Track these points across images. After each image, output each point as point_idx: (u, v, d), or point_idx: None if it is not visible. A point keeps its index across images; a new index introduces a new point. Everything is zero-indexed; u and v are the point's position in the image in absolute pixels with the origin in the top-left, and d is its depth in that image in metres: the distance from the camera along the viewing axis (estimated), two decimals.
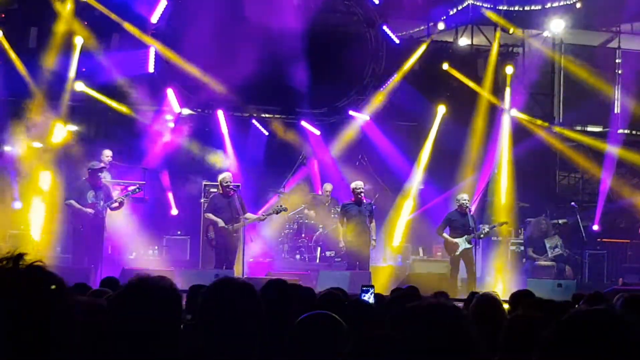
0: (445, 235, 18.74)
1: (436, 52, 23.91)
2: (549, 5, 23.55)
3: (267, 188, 21.41)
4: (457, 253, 18.52)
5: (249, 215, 17.34)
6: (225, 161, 21.10)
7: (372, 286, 10.72)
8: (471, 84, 23.80)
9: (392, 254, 21.41)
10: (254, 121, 22.74)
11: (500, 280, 19.99)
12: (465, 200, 18.76)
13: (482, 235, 19.04)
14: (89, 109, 21.29)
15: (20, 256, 1.99)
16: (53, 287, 1.96)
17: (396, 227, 22.14)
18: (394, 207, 22.32)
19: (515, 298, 8.26)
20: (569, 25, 24.12)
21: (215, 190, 18.21)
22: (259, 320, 4.12)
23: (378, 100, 23.23)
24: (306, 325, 4.16)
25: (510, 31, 23.59)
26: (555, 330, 2.52)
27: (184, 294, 8.79)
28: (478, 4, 23.51)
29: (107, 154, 18.55)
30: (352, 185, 18.29)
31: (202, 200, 19.55)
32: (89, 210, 16.09)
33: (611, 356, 2.42)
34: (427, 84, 23.44)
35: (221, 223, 17.01)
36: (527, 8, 23.75)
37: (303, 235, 20.69)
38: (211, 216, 17.25)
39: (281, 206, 18.38)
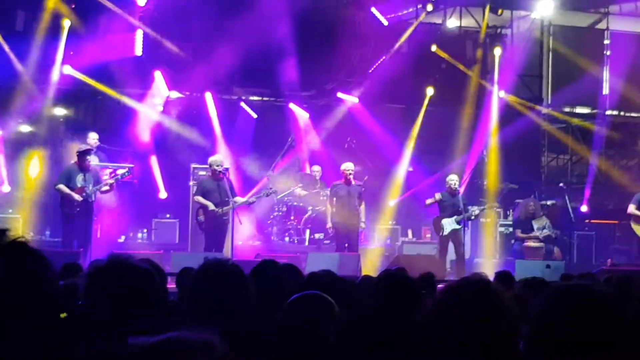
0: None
1: (425, 33, 23.86)
2: None
3: (256, 170, 21.39)
4: (446, 234, 18.53)
5: (237, 198, 17.31)
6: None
7: None
8: (460, 66, 23.80)
9: (381, 235, 21.44)
10: (242, 104, 22.71)
11: (488, 262, 20.02)
12: (454, 181, 18.78)
13: (472, 217, 19.09)
14: (77, 92, 21.22)
15: (4, 232, 1.98)
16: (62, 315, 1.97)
17: (385, 209, 22.15)
18: (382, 190, 22.33)
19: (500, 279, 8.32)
20: (557, 7, 24.12)
21: (204, 173, 18.19)
22: (248, 301, 4.13)
23: (366, 82, 23.21)
24: (297, 305, 4.16)
25: (499, 13, 23.54)
26: (544, 303, 2.55)
27: (173, 276, 8.82)
28: None
29: (93, 137, 18.49)
30: (342, 166, 18.27)
31: (191, 183, 19.54)
32: (78, 196, 16.05)
33: (595, 326, 2.45)
34: (415, 66, 23.40)
35: (211, 206, 16.98)
36: None
37: (292, 217, 20.67)
38: (201, 199, 17.21)
39: (270, 189, 18.37)
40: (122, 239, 19.36)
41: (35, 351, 1.95)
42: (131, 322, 3.35)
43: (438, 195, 18.80)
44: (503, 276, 8.79)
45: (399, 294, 5.23)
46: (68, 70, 20.19)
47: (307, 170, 21.79)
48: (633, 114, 25.62)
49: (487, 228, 21.47)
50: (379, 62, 23.32)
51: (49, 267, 2.01)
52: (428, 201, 18.97)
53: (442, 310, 2.99)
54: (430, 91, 23.18)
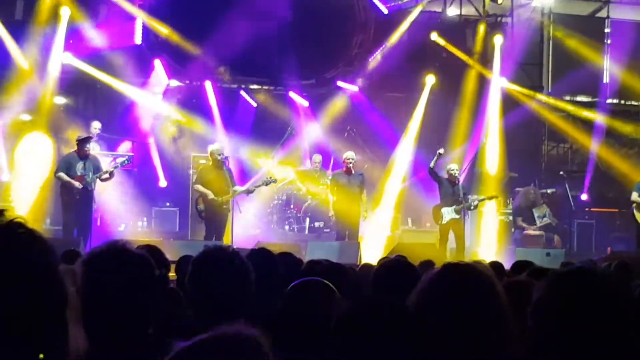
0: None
1: (425, 22, 23.81)
2: None
3: (256, 159, 21.38)
4: (445, 222, 18.51)
5: (237, 187, 17.29)
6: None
7: None
8: (460, 54, 23.77)
9: (381, 224, 21.43)
10: (242, 92, 22.69)
11: (488, 251, 20.01)
12: (454, 170, 18.73)
13: (471, 207, 19.06)
14: (77, 81, 21.20)
15: (1, 212, 1.96)
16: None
17: (385, 197, 22.13)
18: (382, 178, 22.30)
19: (516, 268, 8.29)
20: None
21: (205, 161, 18.17)
22: (248, 287, 4.13)
23: (366, 71, 23.19)
24: (299, 291, 4.16)
25: (499, 1, 23.49)
26: (546, 287, 2.55)
27: (172, 264, 8.81)
28: None
29: (96, 125, 18.49)
30: (344, 155, 18.26)
31: (190, 172, 19.53)
32: (78, 184, 16.02)
33: (599, 307, 2.45)
34: (415, 55, 23.36)
35: (210, 195, 16.96)
36: None
37: (292, 206, 20.66)
38: (200, 188, 17.19)
39: (270, 178, 18.36)
40: (122, 227, 19.35)
41: (34, 336, 1.92)
42: (129, 307, 3.34)
43: (441, 150, 18.66)
44: (494, 267, 8.75)
45: (399, 280, 5.22)
46: (67, 58, 20.16)
47: (308, 159, 21.78)
48: (633, 102, 25.60)
49: (488, 216, 21.44)
50: (379, 50, 23.29)
51: (49, 248, 1.98)
52: (432, 163, 18.74)
53: (431, 296, 2.99)
54: (430, 79, 23.13)
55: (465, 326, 2.87)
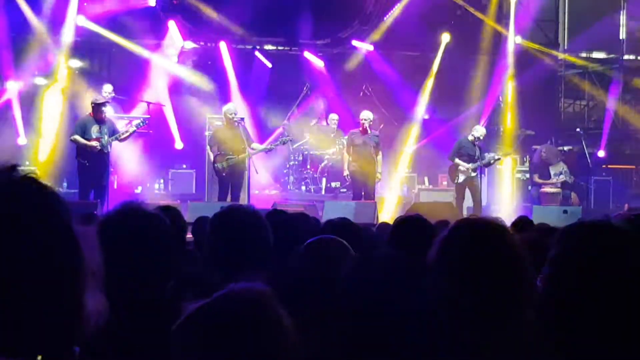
0: (458, 160, 18.62)
1: None
2: None
3: (272, 120, 21.38)
4: (461, 180, 18.49)
5: (255, 145, 17.30)
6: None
7: None
8: (475, 12, 23.61)
9: (397, 183, 21.43)
10: (257, 53, 22.64)
11: (505, 208, 20.00)
12: (480, 134, 18.56)
13: (489, 164, 18.99)
14: (91, 44, 21.20)
15: (14, 167, 1.91)
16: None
17: (401, 157, 22.12)
18: (398, 137, 22.27)
19: (517, 225, 8.27)
20: None
21: (220, 123, 18.16)
22: (266, 245, 4.14)
23: (381, 30, 23.09)
24: (314, 248, 4.17)
25: None
26: (562, 241, 2.54)
27: (189, 225, 8.85)
28: None
29: (107, 89, 18.48)
30: (361, 115, 18.20)
31: (206, 133, 19.52)
32: (94, 143, 16.02)
33: (614, 266, 2.44)
34: (430, 13, 23.18)
35: (211, 156, 17.18)
36: None
37: (308, 166, 20.66)
38: (208, 151, 17.38)
39: (287, 137, 18.35)
40: (139, 189, 19.41)
41: (47, 301, 1.88)
42: (145, 267, 3.36)
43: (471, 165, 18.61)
44: (520, 223, 8.72)
45: (415, 238, 5.24)
46: (82, 21, 20.14)
47: (324, 119, 21.74)
48: None
49: (504, 174, 21.43)
50: (394, 8, 23.16)
51: (65, 205, 1.95)
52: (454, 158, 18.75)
53: (447, 251, 2.98)
54: (445, 38, 23.01)
55: (481, 280, 2.87)
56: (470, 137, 18.61)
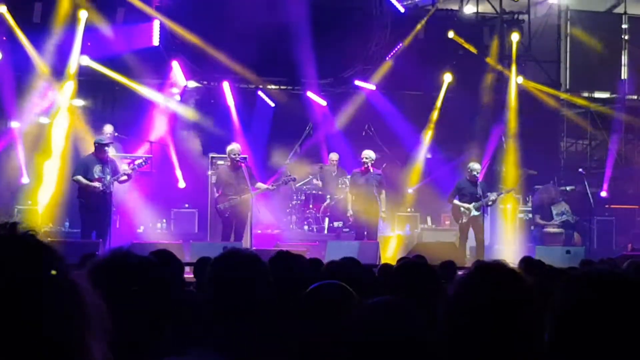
0: (457, 201, 18.67)
1: (441, 20, 23.79)
2: None
3: (274, 159, 21.39)
4: (465, 220, 18.49)
5: (259, 184, 17.34)
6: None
7: None
8: (477, 52, 23.72)
9: (400, 223, 21.40)
10: (259, 93, 22.72)
11: (508, 248, 19.96)
12: (476, 170, 18.69)
13: (490, 203, 18.99)
14: (95, 84, 21.28)
15: (15, 225, 1.94)
16: (53, 272, 1.90)
17: (404, 196, 22.11)
18: (401, 177, 22.27)
19: (524, 265, 8.23)
20: None
21: (223, 162, 18.18)
22: (267, 290, 4.13)
23: (384, 69, 23.17)
24: (316, 294, 4.15)
25: None
26: (565, 293, 2.52)
27: (191, 266, 8.82)
28: None
29: (108, 130, 18.52)
30: (362, 154, 18.25)
31: (209, 173, 19.53)
32: (97, 184, 16.05)
33: (617, 316, 2.42)
34: (432, 53, 23.33)
35: (219, 200, 17.16)
36: None
37: (311, 206, 20.67)
38: (213, 191, 17.42)
39: (290, 176, 18.37)
40: (141, 229, 19.38)
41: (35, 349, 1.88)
42: (139, 315, 3.33)
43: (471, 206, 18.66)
44: (527, 262, 8.66)
45: (418, 282, 5.22)
46: (85, 61, 20.22)
47: (327, 162, 21.75)
48: None
49: (507, 214, 21.40)
50: (396, 49, 23.27)
51: (59, 261, 1.96)
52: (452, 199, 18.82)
53: (463, 298, 2.96)
54: (448, 78, 23.09)
55: (496, 325, 2.85)
56: (467, 177, 18.67)
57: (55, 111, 19.87)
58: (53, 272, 1.88)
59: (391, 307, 3.23)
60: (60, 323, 1.85)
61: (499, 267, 3.07)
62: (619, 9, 25.60)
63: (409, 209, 22.11)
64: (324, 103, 22.77)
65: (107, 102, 22.38)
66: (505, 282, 2.94)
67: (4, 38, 20.03)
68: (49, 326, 1.82)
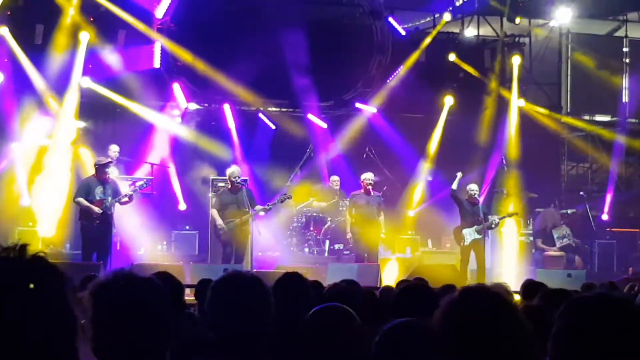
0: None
1: (442, 43, 23.85)
2: None
3: (275, 181, 21.39)
4: (467, 243, 18.46)
5: (258, 207, 17.33)
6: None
7: None
8: (478, 75, 23.76)
9: (400, 245, 21.37)
10: (260, 115, 22.74)
11: (509, 272, 19.92)
12: (474, 191, 18.69)
13: (492, 226, 18.96)
14: (96, 105, 21.29)
15: (24, 247, 1.99)
16: (31, 285, 1.98)
17: (404, 219, 22.10)
18: (401, 199, 22.27)
19: (526, 288, 8.22)
20: (575, 15, 24.06)
21: (224, 184, 18.19)
22: (268, 313, 4.11)
23: (385, 92, 23.20)
24: (318, 317, 4.13)
25: (517, 21, 23.47)
26: (564, 317, 2.51)
27: (192, 288, 8.82)
28: None
29: (114, 149, 18.53)
30: (362, 176, 18.27)
31: (210, 195, 19.53)
32: (97, 209, 16.05)
33: (617, 339, 2.41)
34: (433, 76, 23.38)
35: (219, 221, 17.08)
36: None
37: (311, 228, 20.67)
38: (214, 214, 17.32)
39: (285, 195, 18.34)
40: (141, 251, 19.35)
41: None
42: (139, 335, 3.31)
43: (460, 174, 18.65)
44: (530, 284, 8.65)
45: (419, 306, 5.20)
46: (87, 82, 20.25)
47: (327, 184, 21.75)
48: None
49: (508, 237, 21.35)
50: (397, 72, 23.31)
51: (66, 283, 2.03)
52: (454, 185, 18.68)
53: (448, 321, 2.95)
54: (449, 100, 23.13)
55: (485, 350, 2.84)
56: (467, 198, 18.64)
57: (56, 133, 19.87)
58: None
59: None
60: (53, 329, 1.91)
61: (483, 290, 3.05)
62: (620, 32, 25.67)
63: (409, 232, 22.08)
64: (324, 125, 22.79)
65: (108, 124, 22.38)
66: (489, 305, 2.93)
67: (6, 59, 20.04)
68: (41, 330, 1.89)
